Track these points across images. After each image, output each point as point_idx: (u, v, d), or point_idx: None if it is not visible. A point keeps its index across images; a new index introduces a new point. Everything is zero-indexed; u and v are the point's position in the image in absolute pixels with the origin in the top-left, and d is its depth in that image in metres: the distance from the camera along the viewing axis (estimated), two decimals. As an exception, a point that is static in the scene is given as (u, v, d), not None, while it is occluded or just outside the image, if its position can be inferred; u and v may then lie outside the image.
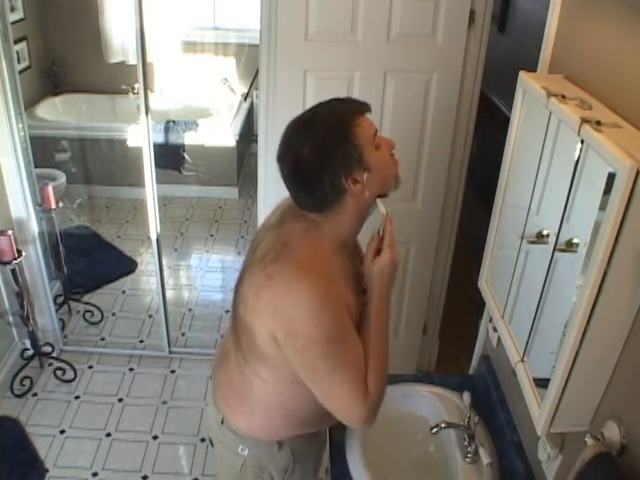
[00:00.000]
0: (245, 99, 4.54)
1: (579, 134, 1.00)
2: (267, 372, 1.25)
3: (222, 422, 1.37)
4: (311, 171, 1.13)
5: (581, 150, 1.02)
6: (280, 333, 1.14)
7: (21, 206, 2.60)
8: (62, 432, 2.52)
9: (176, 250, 3.83)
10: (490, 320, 1.66)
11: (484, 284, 1.54)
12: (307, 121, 1.16)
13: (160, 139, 4.03)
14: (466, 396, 1.57)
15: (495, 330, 1.55)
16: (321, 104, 1.18)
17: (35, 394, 2.70)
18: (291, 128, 1.18)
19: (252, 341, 1.21)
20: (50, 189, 2.77)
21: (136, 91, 3.44)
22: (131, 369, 2.88)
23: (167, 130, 4.09)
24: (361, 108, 1.16)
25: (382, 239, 1.22)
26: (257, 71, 3.47)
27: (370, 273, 1.22)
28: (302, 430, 1.37)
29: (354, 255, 1.31)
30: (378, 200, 1.20)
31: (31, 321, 2.64)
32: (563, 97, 1.10)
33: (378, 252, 1.21)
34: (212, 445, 1.49)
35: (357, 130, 1.12)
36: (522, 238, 1.31)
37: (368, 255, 1.23)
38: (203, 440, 2.51)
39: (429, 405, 1.65)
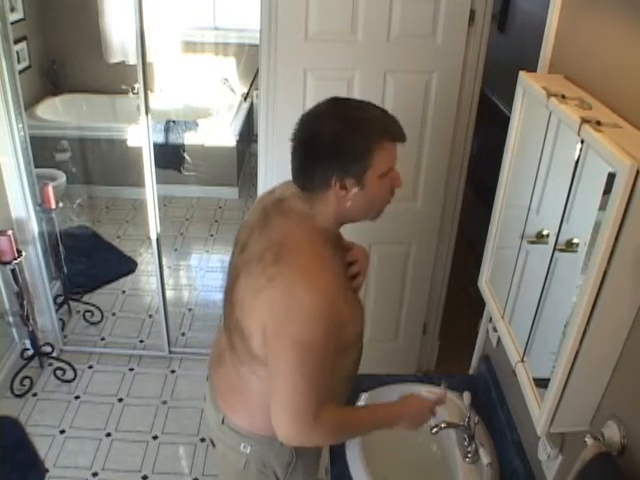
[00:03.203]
0: (245, 99, 4.54)
1: (579, 134, 1.00)
2: (265, 371, 1.25)
3: (222, 422, 1.37)
4: (316, 151, 1.14)
5: (581, 150, 1.02)
6: (269, 330, 1.14)
7: (21, 206, 2.60)
8: (62, 432, 2.52)
9: (176, 250, 3.83)
10: (490, 320, 1.66)
11: (484, 284, 1.54)
12: (346, 109, 1.16)
13: (160, 139, 4.03)
14: (466, 396, 1.56)
15: (495, 330, 1.55)
16: (370, 105, 1.17)
17: (35, 394, 2.70)
18: (330, 104, 1.17)
19: (247, 344, 1.21)
20: (50, 189, 2.77)
21: (136, 91, 3.44)
22: (131, 369, 2.88)
23: (167, 130, 4.09)
24: (397, 135, 1.15)
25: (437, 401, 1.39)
26: (257, 71, 3.47)
27: (406, 401, 1.37)
28: None
29: (338, 246, 1.30)
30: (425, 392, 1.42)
31: (31, 321, 2.64)
32: (563, 97, 1.10)
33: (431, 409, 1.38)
34: (213, 445, 1.49)
35: (378, 151, 1.12)
36: (522, 238, 1.31)
37: (420, 394, 1.40)
38: (203, 440, 2.51)
39: (429, 405, 1.65)
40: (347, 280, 1.28)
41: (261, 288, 1.14)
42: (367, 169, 1.12)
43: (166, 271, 3.19)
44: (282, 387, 1.16)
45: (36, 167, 2.73)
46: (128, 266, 3.60)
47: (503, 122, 1.42)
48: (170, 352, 2.95)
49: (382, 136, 1.13)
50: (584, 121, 0.98)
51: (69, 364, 2.81)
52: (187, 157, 4.16)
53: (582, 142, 1.01)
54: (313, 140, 1.14)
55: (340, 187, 1.14)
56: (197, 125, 4.16)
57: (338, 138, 1.11)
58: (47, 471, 2.36)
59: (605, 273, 0.94)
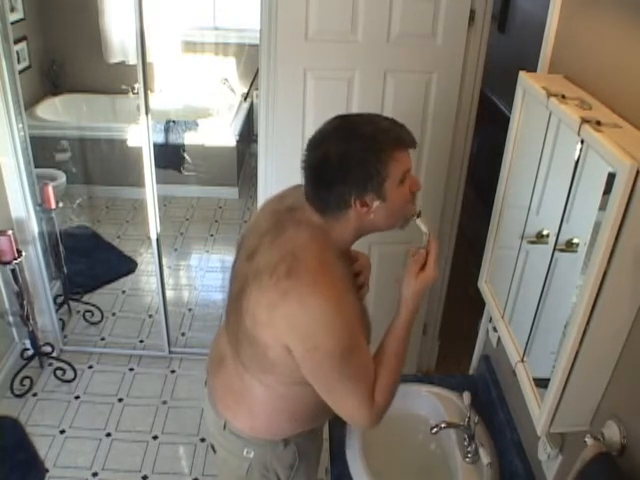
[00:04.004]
0: (245, 99, 4.54)
1: (579, 134, 1.00)
2: (272, 378, 1.25)
3: (224, 427, 1.37)
4: (328, 175, 1.12)
5: (581, 150, 1.02)
6: (298, 348, 1.13)
7: (21, 206, 2.60)
8: (62, 432, 2.52)
9: (176, 250, 3.83)
10: (490, 320, 1.66)
11: (484, 284, 1.54)
12: (352, 126, 1.14)
13: (160, 139, 4.03)
14: (466, 396, 1.57)
15: (495, 330, 1.55)
16: (377, 117, 1.16)
17: (35, 394, 2.70)
18: (335, 123, 1.16)
19: (260, 352, 1.19)
20: (50, 189, 2.77)
21: (136, 91, 3.44)
22: (131, 369, 2.88)
23: (167, 130, 4.09)
24: (407, 143, 1.14)
25: (427, 255, 1.21)
26: (257, 71, 3.47)
27: (410, 287, 1.21)
28: (305, 427, 1.37)
29: (348, 258, 1.31)
30: (418, 220, 1.20)
31: (31, 321, 2.64)
32: (563, 97, 1.10)
33: (421, 268, 1.21)
34: (214, 451, 1.48)
35: (391, 162, 1.11)
36: (522, 238, 1.31)
37: (412, 269, 1.21)
38: (203, 440, 2.51)
39: (429, 405, 1.65)
40: (355, 292, 1.29)
41: (276, 303, 1.12)
42: (384, 181, 1.11)
43: (166, 271, 3.19)
44: (342, 391, 1.19)
45: (36, 167, 2.73)
46: (128, 266, 3.60)
47: (503, 122, 1.42)
48: (170, 352, 2.95)
49: (393, 147, 1.11)
50: (584, 121, 0.98)
51: (69, 364, 2.81)
52: (187, 157, 4.16)
53: (582, 142, 1.01)
54: (323, 164, 1.13)
55: (361, 205, 1.13)
56: (197, 125, 4.16)
57: (348, 158, 1.10)
58: (47, 471, 2.36)
59: (605, 273, 0.94)
